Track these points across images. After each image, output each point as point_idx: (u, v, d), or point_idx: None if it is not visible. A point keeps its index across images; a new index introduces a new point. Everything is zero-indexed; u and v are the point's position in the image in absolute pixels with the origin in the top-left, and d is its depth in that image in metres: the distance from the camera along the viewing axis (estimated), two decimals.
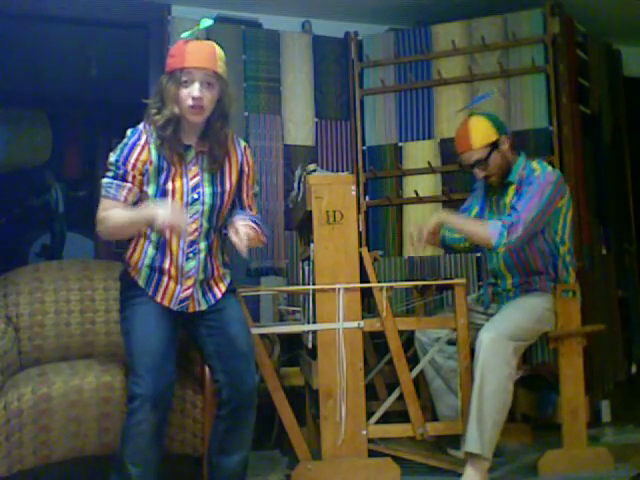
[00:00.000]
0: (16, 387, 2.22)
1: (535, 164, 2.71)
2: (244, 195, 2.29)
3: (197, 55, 2.08)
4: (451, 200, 3.61)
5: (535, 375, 3.20)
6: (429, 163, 3.63)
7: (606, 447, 2.74)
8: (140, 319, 2.14)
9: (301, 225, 3.06)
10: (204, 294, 2.22)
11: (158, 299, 2.16)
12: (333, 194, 2.56)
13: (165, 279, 2.16)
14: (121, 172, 2.11)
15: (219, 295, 2.24)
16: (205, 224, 2.18)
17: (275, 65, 3.71)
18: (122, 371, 2.37)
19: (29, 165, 5.75)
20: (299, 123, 3.73)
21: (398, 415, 2.78)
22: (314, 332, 2.59)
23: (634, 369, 4.01)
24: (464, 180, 3.61)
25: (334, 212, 2.55)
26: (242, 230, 2.08)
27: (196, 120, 2.11)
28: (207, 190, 2.16)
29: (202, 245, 2.18)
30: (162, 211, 1.99)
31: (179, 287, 2.17)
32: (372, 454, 2.57)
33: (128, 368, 2.18)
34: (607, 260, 3.76)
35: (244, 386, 2.16)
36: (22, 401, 2.16)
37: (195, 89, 2.06)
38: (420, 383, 2.95)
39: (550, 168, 2.71)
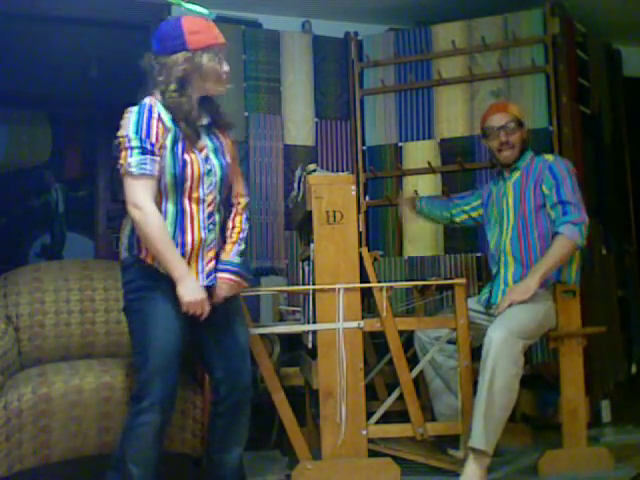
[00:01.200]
0: (16, 387, 2.22)
1: (545, 155, 2.89)
2: (235, 178, 2.26)
3: (219, 32, 2.12)
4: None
5: (535, 375, 3.20)
6: (429, 163, 3.63)
7: (606, 447, 2.74)
8: (162, 312, 2.03)
9: (301, 225, 3.06)
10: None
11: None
12: (333, 194, 2.56)
13: (186, 258, 2.08)
14: (149, 146, 2.01)
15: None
16: (218, 196, 2.16)
17: (275, 65, 3.71)
18: (122, 371, 2.37)
19: (29, 165, 5.75)
20: (299, 123, 3.73)
21: (398, 415, 2.78)
22: (314, 332, 2.59)
23: (634, 369, 4.01)
24: (464, 180, 3.61)
25: (334, 212, 2.55)
26: (220, 294, 2.13)
27: (222, 93, 2.16)
28: (215, 162, 2.14)
29: (217, 217, 2.16)
30: (189, 293, 2.00)
31: (201, 262, 2.10)
32: (372, 454, 2.57)
33: (135, 365, 2.09)
34: (607, 260, 3.76)
35: (242, 383, 2.19)
36: (22, 401, 2.16)
37: (226, 65, 2.12)
38: (420, 383, 2.95)
39: (561, 156, 2.98)
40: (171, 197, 2.07)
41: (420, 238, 3.65)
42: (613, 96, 4.08)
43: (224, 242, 2.22)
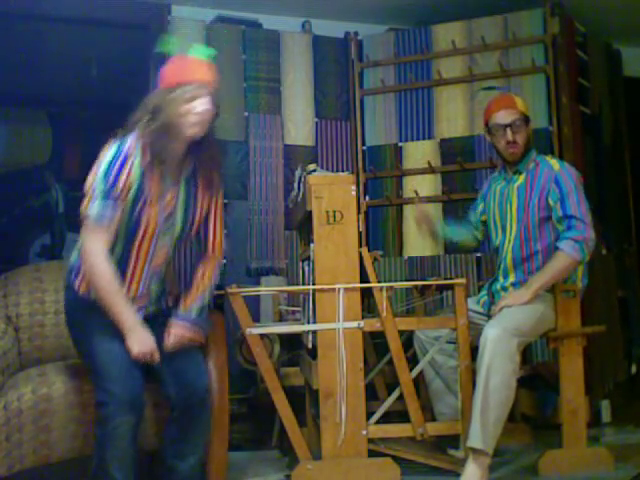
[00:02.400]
0: (16, 387, 2.22)
1: (550, 159, 2.81)
2: (211, 232, 2.24)
3: (203, 69, 2.07)
4: (451, 200, 3.61)
5: (535, 375, 3.20)
6: (429, 163, 3.63)
7: (606, 447, 2.74)
8: (100, 334, 2.07)
9: (301, 225, 3.06)
10: (157, 301, 2.26)
11: None
12: (333, 194, 2.56)
13: None
14: (113, 193, 2.01)
15: (170, 303, 2.29)
16: (171, 251, 2.21)
17: (275, 65, 3.71)
18: None
19: (29, 165, 5.74)
20: (299, 123, 3.73)
21: (398, 415, 2.78)
22: (314, 332, 2.59)
23: (634, 369, 4.01)
24: (464, 180, 3.61)
25: (334, 212, 2.55)
26: (168, 343, 2.13)
27: (196, 134, 2.07)
28: (179, 217, 2.15)
29: (164, 269, 2.23)
30: (137, 345, 2.03)
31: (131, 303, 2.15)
32: (372, 454, 2.57)
33: (93, 380, 2.09)
34: (607, 260, 3.76)
35: (192, 386, 2.13)
36: (22, 401, 2.16)
37: (202, 104, 2.03)
38: (420, 383, 2.95)
39: (566, 163, 2.82)
40: (121, 241, 2.10)
41: (420, 238, 3.65)
42: (613, 96, 4.08)
43: (189, 283, 2.25)
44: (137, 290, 2.16)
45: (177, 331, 2.15)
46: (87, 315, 2.11)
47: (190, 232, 2.22)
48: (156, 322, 2.19)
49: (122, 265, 2.11)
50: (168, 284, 2.32)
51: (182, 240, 2.24)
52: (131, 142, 2.06)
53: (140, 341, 2.05)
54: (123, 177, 2.01)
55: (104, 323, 2.06)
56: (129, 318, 2.06)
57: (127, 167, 2.02)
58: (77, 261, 2.15)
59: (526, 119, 2.78)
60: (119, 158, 2.03)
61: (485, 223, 2.98)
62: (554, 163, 2.76)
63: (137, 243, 2.11)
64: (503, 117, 2.75)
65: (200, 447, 2.16)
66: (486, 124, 2.83)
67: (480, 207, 3.01)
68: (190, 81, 2.02)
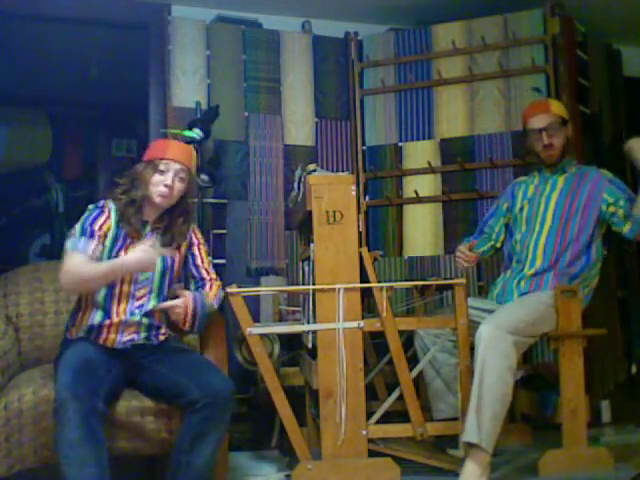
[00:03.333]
0: (17, 387, 2.22)
1: (600, 169, 2.89)
2: (198, 261, 2.48)
3: (177, 150, 2.39)
4: (451, 200, 3.61)
5: (535, 375, 3.20)
6: (429, 163, 3.63)
7: (606, 447, 2.74)
8: (71, 349, 2.23)
9: (301, 225, 3.06)
10: (148, 337, 2.35)
11: (100, 341, 2.28)
12: (333, 194, 2.56)
13: (105, 331, 2.29)
14: (88, 231, 2.27)
15: (162, 338, 2.37)
16: (155, 290, 2.36)
17: (275, 65, 3.71)
18: None
19: (29, 165, 5.74)
20: (299, 123, 3.73)
21: (398, 415, 2.78)
22: (314, 332, 2.59)
23: (634, 369, 4.01)
24: (464, 180, 3.61)
25: (334, 212, 2.55)
26: (175, 308, 2.31)
27: (162, 204, 2.36)
28: (157, 262, 2.30)
29: (150, 304, 2.34)
30: (132, 255, 2.20)
31: (120, 335, 2.30)
32: (372, 454, 2.57)
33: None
34: (607, 260, 3.75)
35: (217, 386, 2.17)
36: (22, 402, 2.16)
37: (169, 178, 2.33)
38: (420, 383, 2.95)
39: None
40: (103, 288, 2.29)
41: (420, 238, 3.65)
42: (613, 96, 4.08)
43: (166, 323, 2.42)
44: (125, 316, 2.31)
45: (184, 293, 2.34)
46: (70, 346, 2.27)
47: (172, 279, 2.42)
48: (147, 353, 2.31)
49: (108, 311, 2.30)
50: (161, 320, 2.40)
51: (166, 284, 2.40)
52: (105, 202, 2.38)
53: (146, 257, 2.20)
54: (99, 222, 2.30)
55: (84, 345, 2.24)
56: (116, 262, 2.24)
57: (101, 219, 2.31)
58: (72, 312, 2.39)
59: (563, 121, 2.84)
60: (94, 212, 2.34)
61: (507, 225, 3.01)
62: (604, 171, 2.86)
63: (118, 284, 2.30)
64: (538, 121, 2.82)
65: (217, 445, 2.19)
66: (524, 128, 2.92)
67: (504, 207, 3.01)
68: (164, 157, 2.35)
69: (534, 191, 2.92)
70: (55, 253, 5.63)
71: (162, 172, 2.33)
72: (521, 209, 2.92)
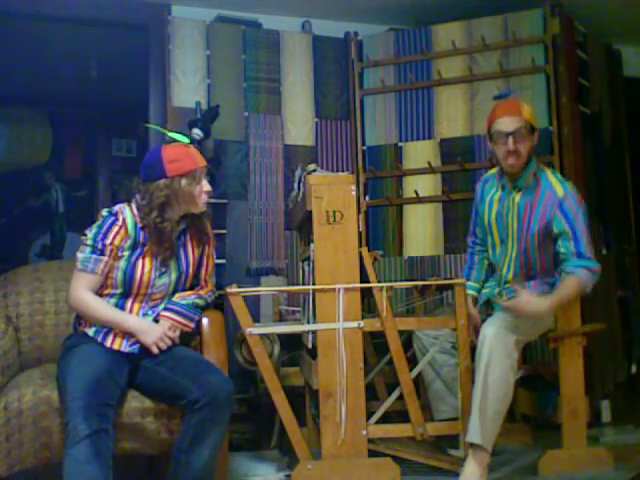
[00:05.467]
0: (17, 387, 2.22)
1: (551, 176, 2.64)
2: (202, 272, 2.47)
3: (200, 155, 2.36)
4: (451, 200, 3.61)
5: (535, 375, 3.20)
6: (429, 163, 3.63)
7: (606, 447, 2.75)
8: (78, 356, 2.19)
9: (301, 225, 3.06)
10: None
11: (107, 344, 2.26)
12: (333, 194, 2.56)
13: (113, 332, 2.27)
14: (99, 246, 2.25)
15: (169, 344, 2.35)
16: (169, 293, 2.36)
17: (275, 65, 3.71)
18: None
19: (29, 165, 5.74)
20: (299, 123, 3.73)
21: (398, 415, 2.78)
22: (314, 332, 2.59)
23: (634, 369, 4.01)
24: (464, 180, 3.61)
25: (334, 212, 2.55)
26: (167, 325, 2.30)
27: (202, 210, 2.37)
28: (172, 265, 2.34)
29: (162, 306, 2.35)
30: (148, 338, 2.24)
31: (126, 339, 2.28)
32: (372, 454, 2.57)
33: (63, 406, 2.10)
34: (607, 260, 3.76)
35: (217, 385, 2.16)
36: (22, 402, 2.16)
37: (206, 183, 2.34)
38: (420, 383, 2.95)
39: (568, 183, 2.65)
40: (119, 290, 2.29)
41: (420, 238, 3.65)
42: (613, 96, 4.08)
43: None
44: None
45: (165, 318, 2.30)
46: (77, 345, 2.26)
47: (187, 279, 2.41)
48: (149, 355, 2.28)
49: (122, 300, 2.30)
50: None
51: (181, 285, 2.39)
52: (121, 208, 2.32)
53: (148, 333, 2.24)
54: (112, 234, 2.26)
55: (91, 349, 2.22)
56: (128, 321, 2.26)
57: (115, 228, 2.27)
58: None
59: (532, 128, 2.60)
60: (109, 219, 2.29)
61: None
62: (557, 186, 2.59)
63: (136, 289, 2.29)
64: (506, 124, 2.57)
65: (216, 445, 2.18)
66: (489, 130, 2.65)
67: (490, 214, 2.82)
68: (199, 167, 2.32)
69: (499, 208, 2.72)
70: (55, 253, 5.69)
71: (200, 182, 2.33)
72: (489, 225, 2.77)
